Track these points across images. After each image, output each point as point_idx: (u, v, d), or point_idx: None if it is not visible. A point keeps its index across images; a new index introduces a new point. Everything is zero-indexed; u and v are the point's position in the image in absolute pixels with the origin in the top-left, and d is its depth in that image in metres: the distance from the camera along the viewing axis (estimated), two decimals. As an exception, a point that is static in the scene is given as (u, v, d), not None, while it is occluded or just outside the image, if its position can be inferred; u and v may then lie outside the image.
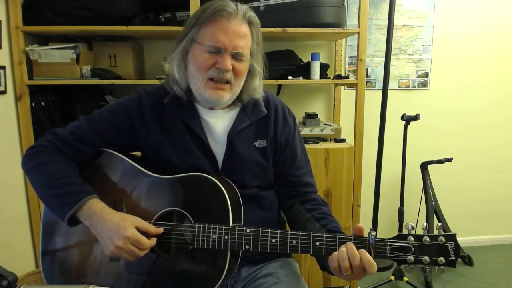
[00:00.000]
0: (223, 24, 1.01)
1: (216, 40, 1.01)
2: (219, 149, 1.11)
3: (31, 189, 1.94)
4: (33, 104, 1.94)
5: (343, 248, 0.90)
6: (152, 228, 0.99)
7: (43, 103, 1.97)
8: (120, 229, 0.94)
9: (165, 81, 1.13)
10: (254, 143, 1.13)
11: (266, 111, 1.14)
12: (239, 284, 1.13)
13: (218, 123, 1.12)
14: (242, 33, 1.03)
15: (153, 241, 0.98)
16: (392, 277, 2.28)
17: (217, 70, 1.02)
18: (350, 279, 1.07)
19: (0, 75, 1.80)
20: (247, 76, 1.10)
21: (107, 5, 1.91)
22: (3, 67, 1.82)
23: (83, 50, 2.01)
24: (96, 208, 0.98)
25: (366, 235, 0.92)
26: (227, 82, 1.05)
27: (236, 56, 1.03)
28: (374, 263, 0.88)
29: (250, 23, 1.06)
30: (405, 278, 2.26)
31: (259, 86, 1.13)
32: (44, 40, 2.04)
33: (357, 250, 0.89)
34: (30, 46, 1.91)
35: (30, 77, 1.94)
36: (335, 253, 0.91)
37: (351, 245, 0.90)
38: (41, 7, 1.89)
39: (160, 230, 1.00)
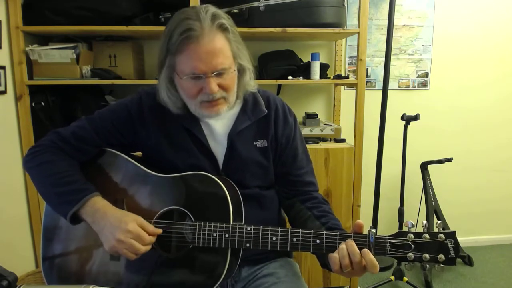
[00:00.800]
0: (193, 49, 0.95)
1: (193, 68, 0.96)
2: (219, 150, 1.11)
3: (31, 189, 1.94)
4: (33, 104, 1.94)
5: (343, 246, 0.90)
6: (150, 228, 0.99)
7: (43, 103, 1.97)
8: (121, 223, 0.95)
9: (159, 99, 1.09)
10: (255, 143, 1.13)
11: (266, 111, 1.14)
12: (239, 284, 1.13)
13: (218, 124, 1.12)
14: (217, 49, 0.96)
15: (153, 238, 0.98)
16: (392, 277, 2.28)
17: (206, 94, 1.00)
18: (351, 276, 1.08)
19: (0, 75, 1.80)
20: (238, 75, 1.07)
21: (107, 5, 1.91)
22: (3, 67, 1.82)
23: (83, 50, 2.01)
24: (99, 206, 0.99)
25: (366, 232, 0.93)
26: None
27: (220, 74, 0.99)
28: (377, 264, 0.88)
29: (221, 29, 0.98)
30: (405, 278, 2.26)
31: (250, 79, 1.10)
32: (44, 40, 2.04)
33: (359, 249, 0.89)
34: (30, 46, 1.91)
35: (30, 77, 1.94)
36: (336, 251, 0.92)
37: (351, 242, 0.90)
38: (41, 7, 1.88)
39: (159, 231, 1.00)
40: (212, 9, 0.99)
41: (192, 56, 0.96)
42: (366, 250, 0.89)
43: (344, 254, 0.89)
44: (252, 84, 1.12)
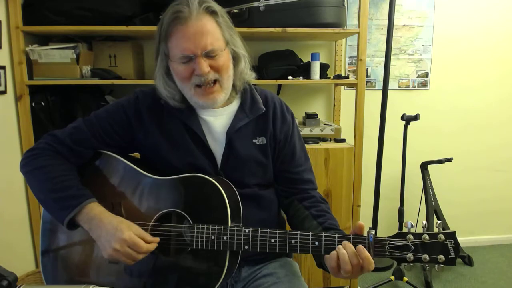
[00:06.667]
0: (181, 31, 0.98)
1: (182, 49, 0.99)
2: (218, 148, 1.11)
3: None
4: (33, 104, 1.94)
5: (343, 251, 0.89)
6: (148, 238, 0.98)
7: (43, 103, 1.97)
8: (117, 231, 0.94)
9: (159, 94, 1.10)
10: (254, 140, 1.13)
11: (264, 109, 1.14)
12: (239, 284, 1.13)
13: (217, 122, 1.12)
14: (205, 30, 0.99)
15: (151, 246, 0.97)
16: (392, 277, 2.28)
17: (198, 77, 1.01)
18: (348, 278, 1.07)
19: (0, 75, 1.80)
20: (233, 63, 1.08)
21: (107, 5, 1.91)
22: (3, 67, 1.82)
23: (83, 50, 2.01)
24: (95, 212, 0.98)
25: (365, 234, 0.92)
26: (215, 81, 1.04)
27: (210, 54, 1.00)
28: (372, 261, 0.88)
29: (210, 12, 1.01)
30: (405, 278, 2.26)
31: (246, 67, 1.11)
32: (44, 40, 2.04)
33: (355, 248, 0.89)
34: (30, 46, 1.91)
35: (30, 77, 1.94)
36: (333, 252, 0.91)
37: (350, 246, 0.89)
38: (41, 7, 1.88)
39: (156, 239, 0.99)
40: None
41: (181, 37, 0.98)
42: (361, 247, 0.88)
43: (345, 260, 0.88)
44: (248, 72, 1.13)
